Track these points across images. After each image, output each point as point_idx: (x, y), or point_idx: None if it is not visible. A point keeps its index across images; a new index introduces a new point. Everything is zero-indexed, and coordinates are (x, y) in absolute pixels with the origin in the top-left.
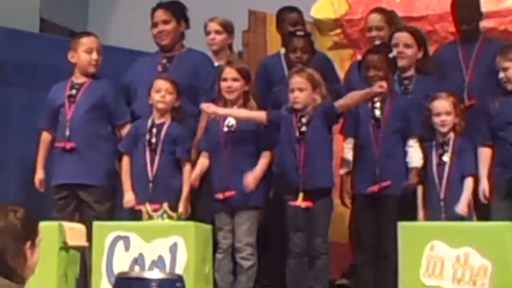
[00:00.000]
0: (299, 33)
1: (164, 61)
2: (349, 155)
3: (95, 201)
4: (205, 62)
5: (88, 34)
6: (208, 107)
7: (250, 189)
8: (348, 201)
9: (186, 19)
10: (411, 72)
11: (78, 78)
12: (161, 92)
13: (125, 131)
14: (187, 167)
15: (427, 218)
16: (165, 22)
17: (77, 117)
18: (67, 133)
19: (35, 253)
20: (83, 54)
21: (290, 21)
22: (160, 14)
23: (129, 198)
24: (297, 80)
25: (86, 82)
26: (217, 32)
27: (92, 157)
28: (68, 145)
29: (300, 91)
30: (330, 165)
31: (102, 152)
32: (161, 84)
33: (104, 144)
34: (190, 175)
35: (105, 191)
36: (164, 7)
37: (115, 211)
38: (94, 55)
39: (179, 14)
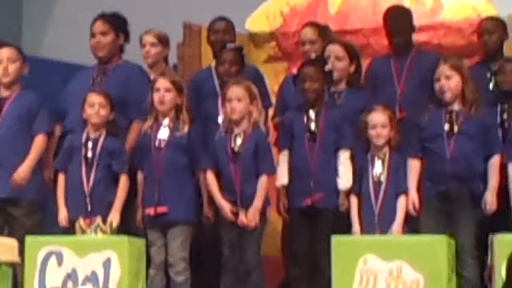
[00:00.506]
0: (229, 45)
1: (97, 74)
2: (284, 167)
3: (23, 214)
4: (138, 74)
5: (2, 46)
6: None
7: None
8: (285, 213)
9: (126, 32)
10: (342, 86)
11: (3, 92)
12: (95, 107)
13: (39, 139)
14: (123, 179)
15: (363, 231)
16: (103, 33)
17: (2, 131)
18: None
19: None
20: None
21: (217, 30)
22: (99, 25)
23: (63, 215)
24: (235, 90)
25: (11, 95)
26: (152, 44)
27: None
28: None
29: (238, 101)
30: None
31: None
32: (95, 98)
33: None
34: (126, 187)
35: (33, 204)
36: (104, 18)
37: (46, 225)
38: (3, 65)
39: (119, 26)
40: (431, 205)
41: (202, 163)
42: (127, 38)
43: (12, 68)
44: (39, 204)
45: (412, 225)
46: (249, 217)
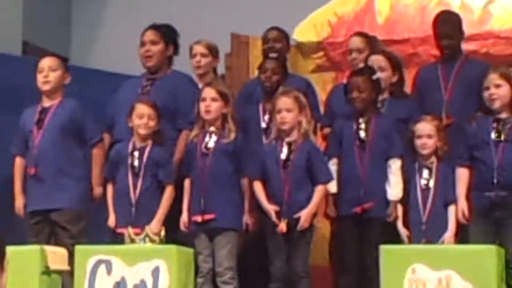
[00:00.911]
0: (271, 55)
1: (146, 83)
2: (333, 175)
3: (68, 221)
4: (186, 83)
5: (45, 56)
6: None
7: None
8: (332, 213)
9: (176, 43)
10: (385, 95)
11: (45, 102)
12: (144, 119)
13: (97, 150)
14: (169, 190)
15: (411, 236)
16: (153, 42)
17: (45, 142)
18: (35, 159)
19: (3, 277)
20: (38, 75)
21: (268, 40)
22: (149, 34)
23: (112, 219)
24: (285, 101)
25: (53, 105)
26: (203, 55)
27: (62, 182)
28: (37, 172)
29: (288, 111)
30: (311, 195)
31: (72, 177)
32: (143, 110)
33: (74, 168)
34: (171, 198)
35: (77, 212)
36: (155, 28)
37: (92, 234)
38: (43, 74)
39: (169, 37)
40: (480, 214)
41: (250, 172)
42: (176, 49)
43: (53, 76)
44: (83, 212)
45: (461, 234)
46: (303, 219)
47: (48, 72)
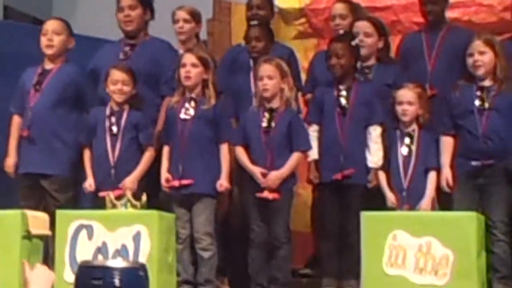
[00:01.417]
0: (252, 22)
1: (127, 48)
2: (314, 142)
3: (56, 190)
4: (167, 50)
5: (50, 19)
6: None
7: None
8: (316, 179)
9: (152, 8)
10: (371, 61)
11: (47, 64)
12: (118, 84)
13: None
14: (148, 151)
15: (398, 200)
16: (131, 7)
17: (40, 105)
18: (29, 121)
19: None
20: (41, 38)
21: (251, 6)
22: (127, 0)
23: (89, 182)
24: (266, 68)
25: (54, 68)
26: (186, 20)
27: (54, 147)
28: (30, 134)
29: (269, 79)
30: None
31: (64, 142)
32: (117, 76)
33: (67, 134)
34: (150, 159)
35: (67, 180)
36: None
37: (78, 201)
38: (47, 36)
39: (147, 2)
40: (464, 181)
41: (232, 138)
42: (152, 14)
43: (57, 40)
44: (72, 180)
45: (444, 201)
46: (270, 178)
47: (52, 35)
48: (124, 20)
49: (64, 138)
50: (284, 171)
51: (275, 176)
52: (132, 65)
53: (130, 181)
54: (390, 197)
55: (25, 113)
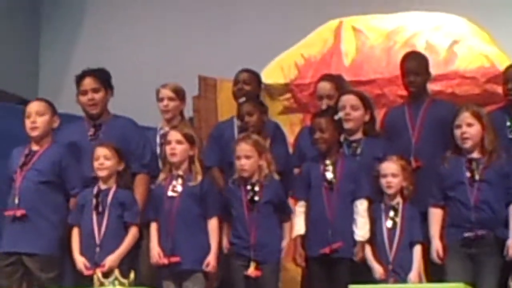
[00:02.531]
0: (240, 100)
1: (92, 130)
2: (301, 217)
3: (40, 269)
4: (133, 128)
5: (33, 100)
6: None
7: (211, 269)
8: (301, 262)
9: (112, 87)
10: (359, 135)
11: (33, 146)
12: (100, 160)
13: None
14: (133, 230)
15: (386, 272)
16: (95, 90)
17: (26, 186)
18: (16, 201)
19: None
20: (26, 120)
21: (238, 81)
22: (90, 82)
23: (81, 263)
24: (244, 148)
25: (40, 149)
26: (170, 98)
27: (39, 226)
28: (17, 213)
29: (247, 158)
30: (278, 238)
31: (50, 221)
32: (98, 151)
33: (53, 214)
34: (134, 239)
35: (51, 259)
36: (93, 75)
37: (62, 281)
38: (31, 119)
39: (107, 82)
40: (456, 251)
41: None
42: (112, 92)
43: (41, 121)
44: (57, 260)
45: (434, 273)
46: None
47: (35, 117)
48: (88, 104)
49: (49, 218)
50: (287, 238)
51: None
52: None
53: (112, 259)
54: (378, 269)
55: (11, 194)
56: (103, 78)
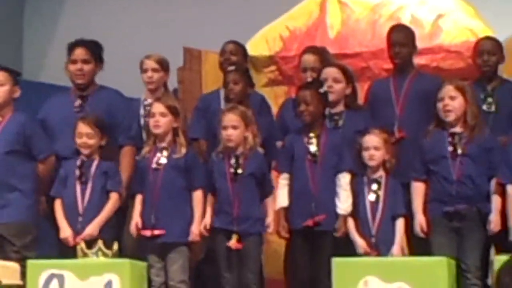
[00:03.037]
0: (229, 68)
1: (79, 101)
2: (284, 190)
3: (13, 235)
4: (120, 99)
5: None
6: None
7: (194, 238)
8: (285, 234)
9: (102, 60)
10: (340, 107)
11: None
12: (83, 138)
13: (47, 164)
14: (113, 197)
15: (369, 246)
16: (85, 61)
17: None
18: None
19: None
20: None
21: (225, 52)
22: (81, 53)
23: (68, 233)
24: (230, 118)
25: (2, 120)
26: (154, 70)
27: (8, 197)
28: None
29: (233, 128)
30: (261, 211)
31: (19, 191)
32: (81, 128)
33: (22, 183)
34: (115, 206)
35: (23, 227)
36: (85, 46)
37: (37, 246)
38: None
39: (98, 55)
40: (440, 224)
41: (195, 182)
42: (102, 65)
43: (1, 91)
44: (29, 225)
45: (418, 246)
46: (268, 222)
47: None
48: (76, 74)
49: (18, 188)
50: (271, 215)
51: (270, 223)
52: None
53: (92, 228)
54: (361, 243)
55: None
56: (94, 50)
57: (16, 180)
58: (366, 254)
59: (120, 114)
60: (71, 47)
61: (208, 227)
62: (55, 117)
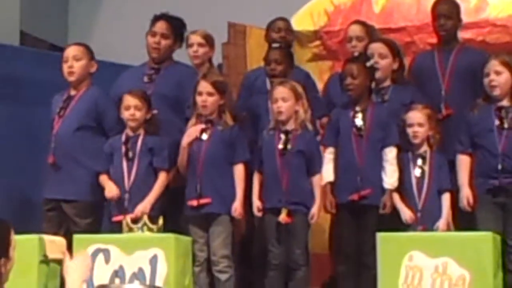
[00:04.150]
0: (274, 45)
1: (151, 72)
2: (330, 164)
3: (77, 215)
4: (191, 75)
5: (70, 45)
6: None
7: (237, 216)
8: (332, 209)
9: (182, 39)
10: (387, 83)
11: (72, 91)
12: (130, 110)
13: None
14: (162, 175)
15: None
16: (164, 36)
17: (63, 132)
18: (53, 148)
19: (9, 265)
20: (63, 65)
21: (279, 29)
22: (162, 27)
23: (113, 191)
24: (281, 90)
25: (77, 94)
26: (200, 44)
27: (76, 173)
28: (54, 161)
29: (284, 101)
30: (309, 185)
31: (86, 168)
32: (129, 101)
33: (89, 160)
34: (164, 184)
35: (88, 205)
36: (168, 20)
37: (99, 227)
38: (68, 63)
39: (179, 32)
40: (485, 200)
41: (251, 162)
42: (181, 44)
43: (78, 66)
44: (93, 205)
45: (464, 221)
46: (313, 212)
47: (72, 62)
48: (153, 46)
49: (86, 164)
50: (318, 199)
51: (315, 210)
52: (156, 88)
53: (143, 206)
54: (407, 213)
55: (50, 140)
56: (177, 26)
57: (85, 156)
58: (411, 225)
59: (189, 89)
60: (154, 19)
61: (260, 207)
62: (126, 88)
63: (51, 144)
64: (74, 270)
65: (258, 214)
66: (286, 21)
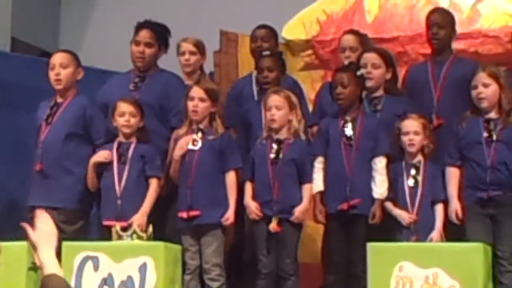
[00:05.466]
0: (264, 53)
1: (137, 80)
2: (319, 174)
3: (64, 221)
4: (176, 83)
5: (57, 52)
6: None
7: (228, 223)
8: (322, 219)
9: (167, 45)
10: (380, 93)
11: (58, 98)
12: (125, 116)
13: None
14: (154, 183)
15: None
16: (148, 44)
17: (50, 139)
18: (40, 155)
19: None
20: (50, 72)
21: (256, 38)
22: (145, 35)
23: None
24: (275, 99)
25: (64, 102)
26: (191, 53)
27: (63, 181)
28: (41, 168)
29: (277, 109)
30: (300, 195)
31: (74, 175)
32: (124, 108)
33: (77, 167)
34: (156, 192)
35: (74, 213)
36: (151, 28)
37: (87, 233)
38: (55, 71)
39: (163, 39)
40: (474, 212)
41: (242, 170)
42: (166, 50)
43: (64, 74)
44: (80, 212)
45: (453, 233)
46: (297, 216)
47: (59, 69)
48: (137, 56)
49: (74, 172)
50: (306, 203)
51: (299, 211)
52: (141, 96)
53: (139, 217)
54: (404, 215)
55: (37, 147)
56: (160, 34)
57: (72, 164)
58: (412, 224)
59: (175, 97)
60: (138, 27)
61: (258, 207)
62: (113, 96)
63: (38, 151)
64: (43, 242)
65: (257, 213)
66: (265, 28)
